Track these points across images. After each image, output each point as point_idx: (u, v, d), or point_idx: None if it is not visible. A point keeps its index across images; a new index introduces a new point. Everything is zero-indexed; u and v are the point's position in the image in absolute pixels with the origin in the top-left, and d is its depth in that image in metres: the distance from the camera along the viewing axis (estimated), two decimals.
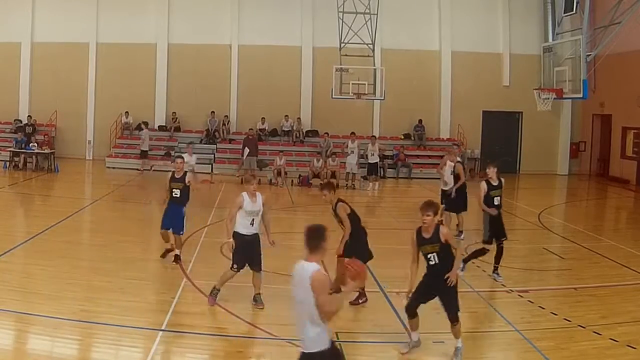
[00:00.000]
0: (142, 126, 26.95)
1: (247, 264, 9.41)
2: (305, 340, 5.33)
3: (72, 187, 22.56)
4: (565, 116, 29.44)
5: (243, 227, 9.35)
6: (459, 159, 15.23)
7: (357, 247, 9.71)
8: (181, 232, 11.58)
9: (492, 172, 11.25)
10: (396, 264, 13.04)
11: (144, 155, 26.10)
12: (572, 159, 29.77)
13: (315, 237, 5.40)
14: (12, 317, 8.39)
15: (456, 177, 14.39)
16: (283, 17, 28.93)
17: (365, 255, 9.65)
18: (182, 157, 12.32)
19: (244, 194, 9.35)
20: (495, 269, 11.22)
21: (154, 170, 25.54)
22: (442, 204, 15.10)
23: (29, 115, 27.82)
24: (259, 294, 9.46)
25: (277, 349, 8.11)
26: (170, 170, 12.12)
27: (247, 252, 9.32)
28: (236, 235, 9.33)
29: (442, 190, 15.22)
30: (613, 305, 9.89)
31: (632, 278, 11.63)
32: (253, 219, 9.37)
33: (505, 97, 29.08)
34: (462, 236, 14.13)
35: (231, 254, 9.42)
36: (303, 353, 5.39)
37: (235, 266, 9.33)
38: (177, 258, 11.54)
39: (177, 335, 8.27)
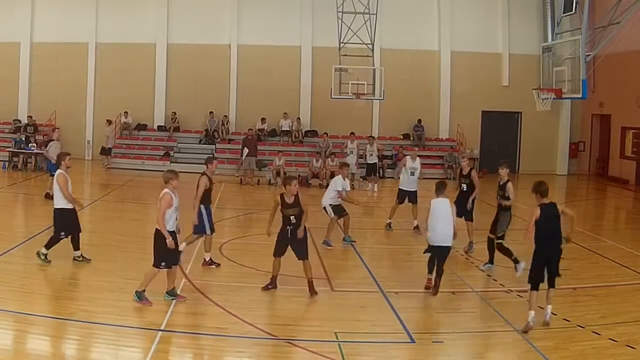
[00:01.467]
0: (107, 123, 27.03)
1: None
2: (449, 238, 10.08)
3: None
4: (565, 116, 29.45)
5: (170, 225, 9.32)
6: (464, 162, 14.11)
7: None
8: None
9: (503, 172, 12.06)
10: (394, 264, 13.09)
11: (106, 152, 26.24)
12: (572, 159, 29.77)
13: (443, 186, 10.39)
14: (12, 317, 8.38)
15: (472, 185, 13.36)
16: (282, 17, 28.91)
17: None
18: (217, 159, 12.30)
19: (169, 191, 9.29)
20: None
21: (107, 168, 25.74)
22: (400, 203, 15.43)
23: (29, 116, 27.79)
24: (175, 287, 9.47)
25: (277, 349, 8.11)
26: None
27: (176, 247, 9.38)
28: (169, 234, 9.27)
29: (400, 189, 15.41)
30: (612, 305, 9.91)
31: (632, 278, 11.64)
32: (176, 216, 9.46)
33: (505, 97, 29.07)
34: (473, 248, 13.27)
35: (160, 254, 9.23)
36: (448, 246, 10.14)
37: (163, 265, 9.26)
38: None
39: (177, 335, 8.27)
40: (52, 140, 18.52)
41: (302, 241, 9.99)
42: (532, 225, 8.73)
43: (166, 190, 9.28)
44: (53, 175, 17.33)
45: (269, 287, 10.04)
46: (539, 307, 8.79)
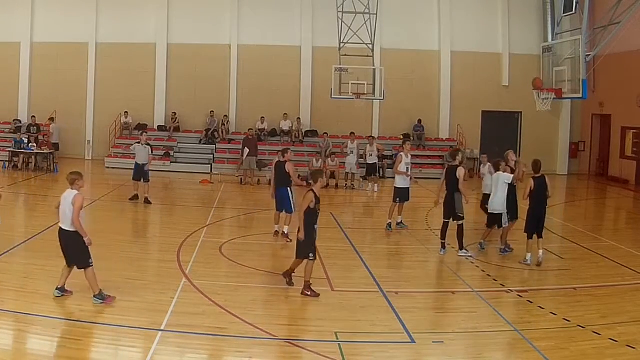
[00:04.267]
0: (50, 121, 27.15)
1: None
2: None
3: None
4: (565, 116, 29.47)
5: (85, 223, 9.24)
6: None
7: None
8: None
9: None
10: (394, 264, 13.10)
11: (55, 147, 26.31)
12: (572, 158, 29.79)
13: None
14: (12, 317, 8.38)
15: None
16: (283, 17, 28.94)
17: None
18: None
19: (78, 192, 9.15)
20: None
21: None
22: (400, 202, 15.47)
23: (33, 116, 27.81)
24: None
25: (277, 349, 8.11)
26: None
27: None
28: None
29: (396, 188, 15.37)
30: (612, 305, 9.89)
31: (632, 278, 11.64)
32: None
33: (505, 97, 29.10)
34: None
35: (83, 252, 9.11)
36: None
37: (91, 261, 9.19)
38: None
39: (177, 335, 8.25)
40: (139, 143, 18.52)
41: None
42: (528, 191, 12.25)
43: (76, 191, 9.13)
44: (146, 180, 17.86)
45: (307, 292, 9.86)
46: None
